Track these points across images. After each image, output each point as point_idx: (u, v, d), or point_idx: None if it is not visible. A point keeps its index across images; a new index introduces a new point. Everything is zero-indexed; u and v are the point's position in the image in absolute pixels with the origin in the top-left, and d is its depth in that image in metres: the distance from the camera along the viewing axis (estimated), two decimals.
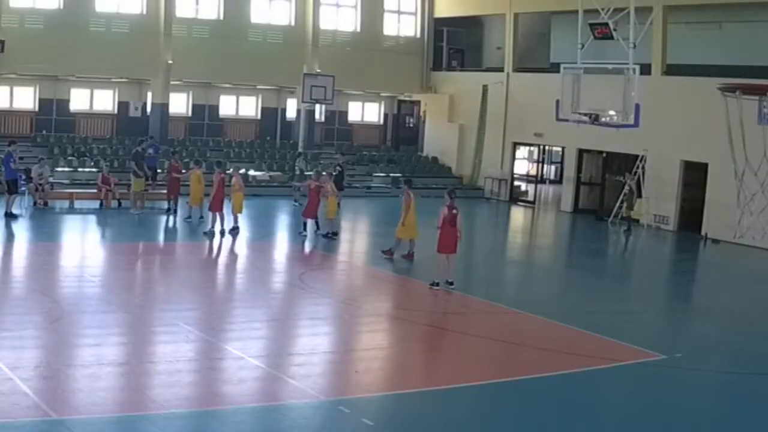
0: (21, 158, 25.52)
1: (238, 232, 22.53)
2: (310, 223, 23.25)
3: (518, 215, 32.91)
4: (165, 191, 25.84)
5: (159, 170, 28.19)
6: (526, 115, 32.87)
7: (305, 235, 22.99)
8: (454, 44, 38.70)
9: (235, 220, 22.65)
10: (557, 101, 23.31)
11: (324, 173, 23.98)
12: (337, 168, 29.52)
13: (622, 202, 28.79)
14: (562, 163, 34.63)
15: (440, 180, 35.69)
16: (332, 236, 22.96)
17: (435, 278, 17.59)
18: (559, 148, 35.06)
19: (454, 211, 17.48)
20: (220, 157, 32.36)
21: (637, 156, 28.85)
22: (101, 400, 10.27)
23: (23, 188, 24.47)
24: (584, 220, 30.86)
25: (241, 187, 22.99)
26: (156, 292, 16.83)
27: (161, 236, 23.69)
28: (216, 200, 22.53)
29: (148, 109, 32.84)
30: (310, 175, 26.19)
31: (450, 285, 17.53)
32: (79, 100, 32.78)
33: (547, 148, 36.38)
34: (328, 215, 23.00)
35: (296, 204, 28.63)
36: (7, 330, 12.84)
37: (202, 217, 23.96)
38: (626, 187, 28.65)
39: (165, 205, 25.75)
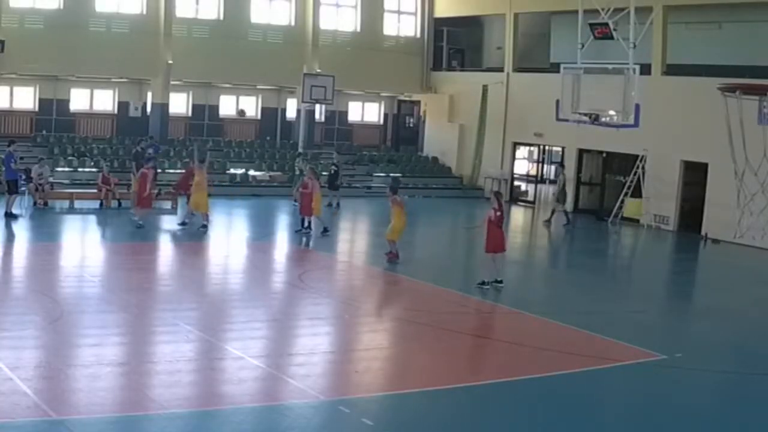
0: (21, 158, 25.54)
1: (206, 231, 22.45)
2: (308, 219, 23.29)
3: (518, 215, 32.90)
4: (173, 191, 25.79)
5: (159, 170, 28.19)
6: (526, 115, 32.88)
7: (308, 232, 23.05)
8: (454, 44, 38.71)
9: (205, 218, 22.62)
10: (557, 101, 23.33)
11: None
12: (333, 168, 29.56)
13: (562, 196, 29.46)
14: (561, 163, 34.60)
15: (440, 180, 35.75)
16: (306, 231, 23.23)
17: (484, 277, 17.82)
18: (559, 148, 35.05)
19: (499, 213, 17.75)
20: (220, 157, 32.47)
21: (637, 156, 28.89)
22: (101, 400, 10.27)
23: (23, 188, 24.48)
24: (584, 220, 30.86)
25: (204, 186, 22.74)
26: (156, 292, 16.83)
27: (161, 236, 23.66)
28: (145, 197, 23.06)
29: (148, 109, 32.85)
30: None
31: (500, 284, 17.78)
32: (79, 100, 32.80)
33: (547, 148, 36.37)
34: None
35: (296, 204, 28.63)
36: (7, 330, 12.84)
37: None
38: (558, 182, 29.61)
39: (166, 205, 25.78)
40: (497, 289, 17.68)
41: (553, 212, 29.29)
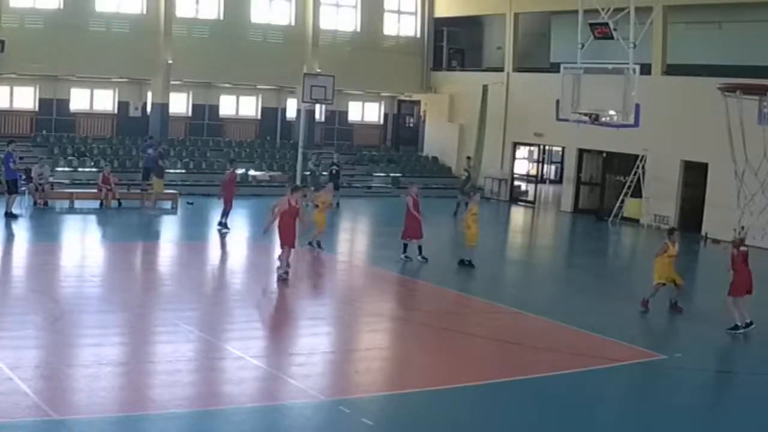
0: (21, 158, 25.55)
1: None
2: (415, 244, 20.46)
3: (518, 215, 32.91)
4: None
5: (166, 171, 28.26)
6: (526, 115, 32.87)
7: (409, 259, 20.34)
8: (454, 44, 38.75)
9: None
10: (557, 101, 23.28)
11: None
12: (334, 168, 29.55)
13: (468, 188, 29.53)
14: (562, 163, 34.64)
15: (440, 180, 35.74)
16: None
17: (736, 321, 15.40)
18: (559, 148, 35.07)
19: (744, 249, 15.87)
20: (220, 157, 32.45)
21: (637, 156, 28.89)
22: (101, 400, 10.27)
23: (23, 188, 24.49)
24: (584, 220, 30.87)
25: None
26: (156, 292, 16.82)
27: (161, 236, 23.67)
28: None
29: (148, 109, 32.85)
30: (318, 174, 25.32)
31: (751, 326, 15.37)
32: (79, 100, 32.80)
33: (547, 148, 36.38)
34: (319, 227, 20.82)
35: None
36: (7, 330, 12.85)
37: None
38: (464, 175, 30.80)
39: (168, 204, 26.03)
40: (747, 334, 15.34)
41: (458, 204, 28.75)
